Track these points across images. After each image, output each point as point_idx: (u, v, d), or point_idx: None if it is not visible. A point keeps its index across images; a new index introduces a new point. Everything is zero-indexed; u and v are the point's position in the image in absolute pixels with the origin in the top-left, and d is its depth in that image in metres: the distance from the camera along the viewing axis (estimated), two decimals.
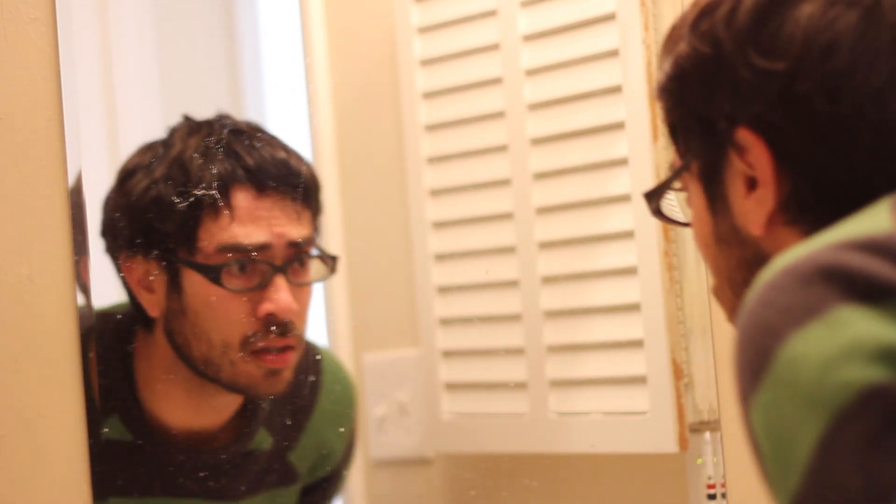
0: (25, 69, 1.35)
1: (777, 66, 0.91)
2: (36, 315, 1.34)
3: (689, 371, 1.52)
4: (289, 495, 1.60)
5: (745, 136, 0.92)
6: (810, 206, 0.91)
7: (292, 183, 1.51)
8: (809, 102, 0.90)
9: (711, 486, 1.51)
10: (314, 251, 1.55)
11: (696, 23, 0.96)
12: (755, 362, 0.78)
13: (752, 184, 0.93)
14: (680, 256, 1.52)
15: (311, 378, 1.61)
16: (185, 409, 1.53)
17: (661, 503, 1.58)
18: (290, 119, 1.82)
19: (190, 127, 1.52)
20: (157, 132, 1.56)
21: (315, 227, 1.54)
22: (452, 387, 1.72)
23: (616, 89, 1.55)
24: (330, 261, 1.57)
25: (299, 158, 1.54)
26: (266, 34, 1.85)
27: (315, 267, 1.55)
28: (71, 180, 1.36)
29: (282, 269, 1.49)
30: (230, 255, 1.48)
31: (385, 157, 1.81)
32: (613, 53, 1.55)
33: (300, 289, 1.52)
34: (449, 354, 1.73)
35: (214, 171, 1.48)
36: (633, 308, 1.55)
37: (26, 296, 1.34)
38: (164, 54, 1.77)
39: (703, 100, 0.95)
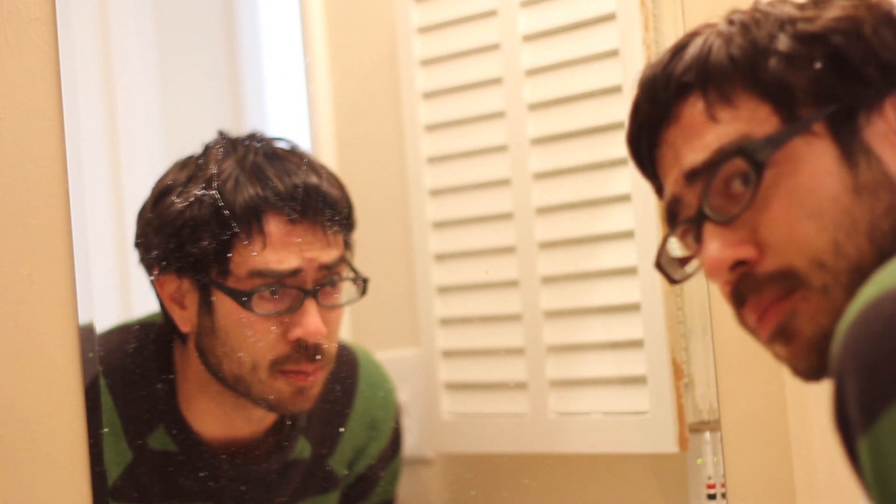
0: (25, 69, 1.35)
1: None
2: (36, 315, 1.34)
3: (689, 371, 1.52)
4: (329, 501, 1.61)
5: None
6: None
7: (323, 209, 1.51)
8: None
9: (711, 486, 1.51)
10: (345, 274, 1.55)
11: None
12: (865, 407, 0.78)
13: None
14: None
15: (347, 383, 1.61)
16: (221, 420, 1.53)
17: (661, 503, 1.58)
18: (290, 119, 1.82)
19: (224, 147, 1.52)
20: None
21: (347, 248, 1.55)
22: (452, 387, 1.72)
23: (616, 89, 1.55)
24: (361, 282, 1.57)
25: (331, 181, 1.54)
26: (266, 34, 1.85)
27: (346, 287, 1.56)
28: (71, 180, 1.36)
29: (312, 293, 1.50)
30: (261, 280, 1.48)
31: (385, 157, 1.81)
32: (613, 53, 1.55)
33: (330, 310, 1.53)
34: (449, 354, 1.73)
35: (247, 196, 1.49)
36: (633, 308, 1.55)
37: (26, 296, 1.34)
38: (165, 54, 1.77)
39: (881, 44, 0.98)
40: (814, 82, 1.00)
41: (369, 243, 1.68)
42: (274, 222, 1.49)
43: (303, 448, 1.58)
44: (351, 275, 1.55)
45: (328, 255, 1.51)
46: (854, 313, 0.80)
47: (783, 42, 1.01)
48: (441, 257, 1.73)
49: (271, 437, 1.57)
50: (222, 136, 1.54)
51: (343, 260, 1.54)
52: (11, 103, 1.35)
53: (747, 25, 1.02)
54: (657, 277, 1.52)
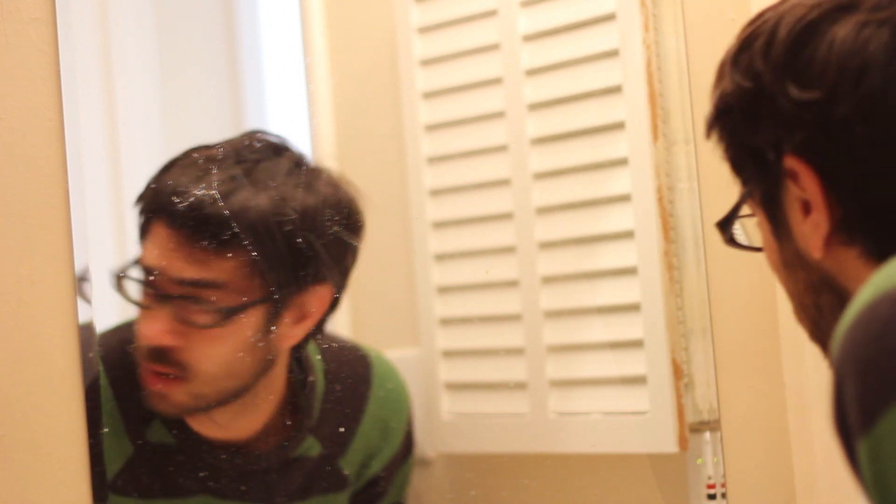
0: (25, 69, 1.35)
1: (814, 94, 0.92)
2: (36, 315, 1.34)
3: (689, 371, 1.52)
4: (339, 501, 1.60)
5: (792, 163, 0.94)
6: (863, 227, 0.92)
7: (205, 227, 1.49)
8: (847, 127, 0.90)
9: (711, 486, 1.51)
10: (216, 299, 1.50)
11: (737, 57, 0.98)
12: (864, 409, 0.77)
13: (807, 208, 0.94)
14: (680, 256, 1.52)
15: (361, 384, 1.61)
16: (208, 418, 1.54)
17: (660, 503, 1.58)
18: (290, 119, 1.82)
19: (224, 149, 1.54)
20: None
21: (231, 273, 1.50)
22: (452, 387, 1.72)
23: (616, 89, 1.55)
24: (226, 311, 1.50)
25: (233, 199, 1.50)
26: (266, 34, 1.85)
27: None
28: (71, 180, 1.36)
29: (165, 300, 1.50)
30: (138, 271, 1.52)
31: (385, 157, 1.81)
32: (613, 53, 1.55)
33: (198, 329, 1.50)
34: (449, 354, 1.73)
35: (147, 202, 1.53)
36: (633, 308, 1.55)
37: (26, 296, 1.34)
38: (165, 54, 1.77)
39: (750, 132, 0.97)
40: (729, 163, 1.02)
41: (369, 243, 1.68)
42: (159, 227, 1.51)
43: (311, 446, 1.58)
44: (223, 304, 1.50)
45: (193, 272, 1.50)
46: (852, 315, 0.80)
47: (707, 117, 1.02)
48: (441, 257, 1.73)
49: (272, 433, 1.57)
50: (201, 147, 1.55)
51: (216, 285, 1.50)
52: (11, 103, 1.35)
53: (721, 71, 1.02)
54: (657, 277, 1.52)
